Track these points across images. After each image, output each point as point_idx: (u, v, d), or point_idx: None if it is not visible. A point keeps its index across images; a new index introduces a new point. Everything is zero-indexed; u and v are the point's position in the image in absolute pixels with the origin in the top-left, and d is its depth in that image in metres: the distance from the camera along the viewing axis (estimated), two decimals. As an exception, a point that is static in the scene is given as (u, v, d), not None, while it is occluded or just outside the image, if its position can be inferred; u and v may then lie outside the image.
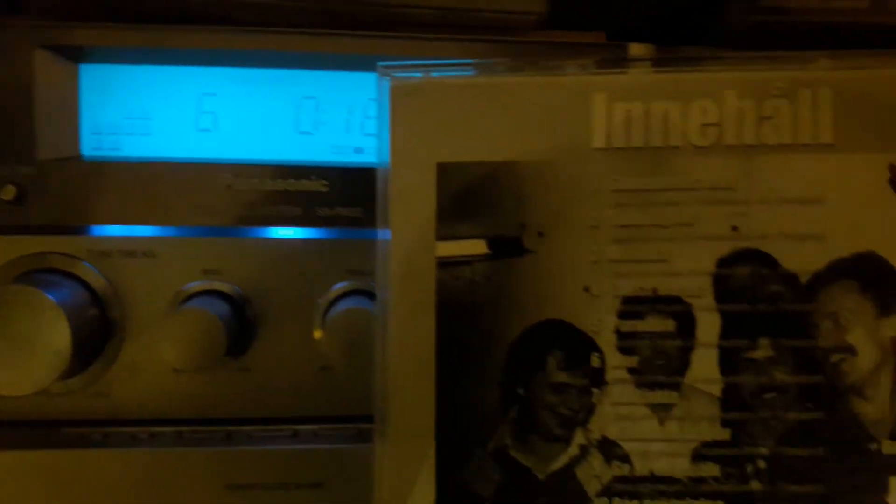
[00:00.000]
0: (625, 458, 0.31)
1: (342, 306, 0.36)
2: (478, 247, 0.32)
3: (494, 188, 0.32)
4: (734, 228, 0.31)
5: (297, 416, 0.38)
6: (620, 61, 0.33)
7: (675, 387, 0.31)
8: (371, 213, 0.37)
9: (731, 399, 0.31)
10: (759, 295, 0.31)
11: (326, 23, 0.36)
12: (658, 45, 0.38)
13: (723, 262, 0.31)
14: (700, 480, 0.31)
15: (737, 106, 0.31)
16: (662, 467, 0.31)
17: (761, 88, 0.31)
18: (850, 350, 0.31)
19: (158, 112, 0.37)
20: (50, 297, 0.34)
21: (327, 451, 0.36)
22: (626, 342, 0.31)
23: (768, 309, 0.31)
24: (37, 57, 0.35)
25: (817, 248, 0.31)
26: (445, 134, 0.32)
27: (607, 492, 0.31)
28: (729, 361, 0.31)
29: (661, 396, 0.31)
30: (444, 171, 0.32)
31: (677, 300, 0.31)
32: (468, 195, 0.32)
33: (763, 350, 0.31)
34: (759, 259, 0.31)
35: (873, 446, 0.31)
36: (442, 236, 0.32)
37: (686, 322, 0.31)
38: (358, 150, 0.38)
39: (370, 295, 0.38)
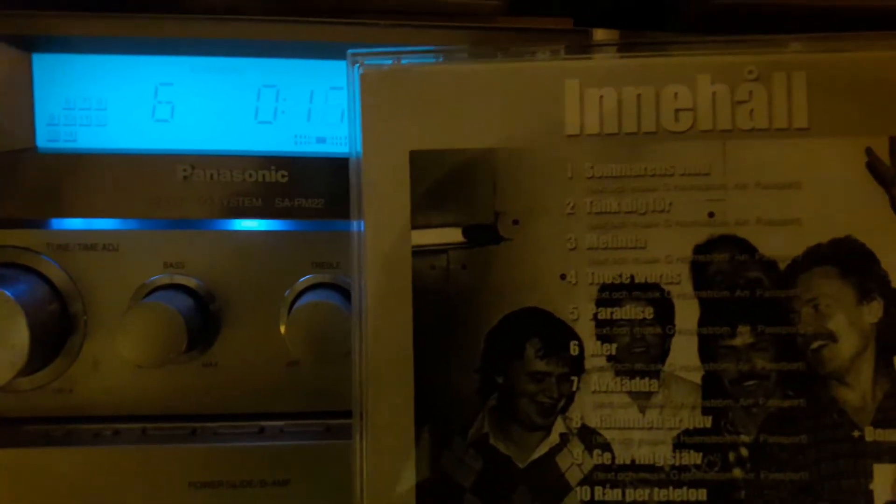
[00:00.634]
0: (606, 447, 0.30)
1: (307, 299, 0.35)
2: (453, 235, 0.31)
3: (468, 176, 0.31)
4: (711, 215, 0.30)
5: (263, 413, 0.37)
6: (592, 46, 0.32)
7: (655, 374, 0.30)
8: (333, 205, 0.36)
9: (711, 386, 0.30)
10: (738, 282, 0.30)
11: (286, 10, 0.35)
12: (623, 30, 0.37)
13: (700, 249, 0.30)
14: (682, 468, 0.30)
15: (710, 91, 0.30)
16: (644, 455, 0.30)
17: (734, 73, 0.30)
18: (831, 337, 0.30)
19: (114, 102, 0.36)
20: (6, 292, 0.32)
21: (294, 447, 0.35)
22: (605, 330, 0.30)
23: (747, 296, 0.30)
24: (-13, 47, 0.34)
25: (795, 234, 0.30)
26: (418, 121, 0.31)
27: (588, 480, 0.30)
28: (708, 349, 0.30)
29: (640, 384, 0.30)
30: (418, 159, 0.31)
31: (655, 287, 0.30)
32: (442, 183, 0.31)
33: (742, 337, 0.30)
34: (736, 245, 0.31)
35: (856, 433, 0.30)
36: (417, 225, 0.31)
37: (664, 309, 0.30)
38: (320, 140, 0.37)
39: (336, 288, 0.37)
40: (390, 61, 0.31)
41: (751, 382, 0.30)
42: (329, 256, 0.37)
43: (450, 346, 0.31)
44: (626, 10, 0.39)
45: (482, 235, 0.31)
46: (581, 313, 0.31)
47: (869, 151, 0.30)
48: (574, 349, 0.31)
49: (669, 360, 0.30)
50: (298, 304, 0.35)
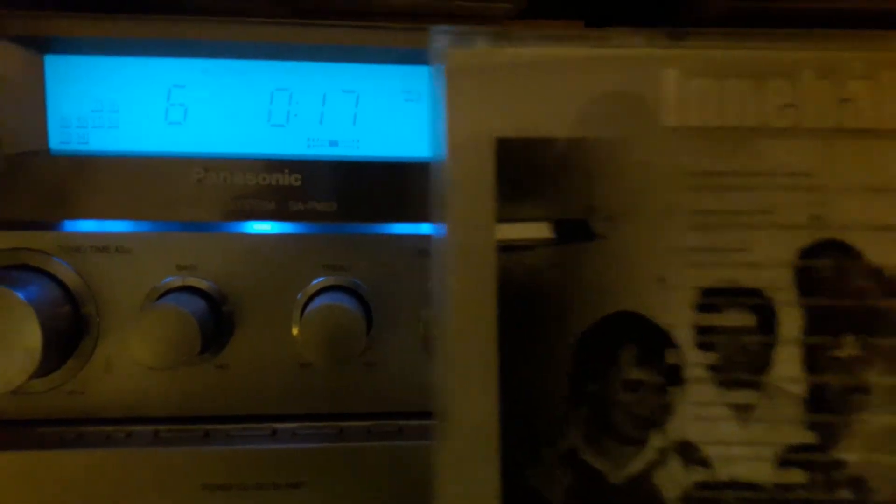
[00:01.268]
0: (705, 463, 0.28)
1: (319, 302, 0.35)
2: (542, 230, 0.28)
3: (560, 167, 0.28)
4: (815, 217, 0.28)
5: (275, 415, 0.37)
6: (690, 34, 0.29)
7: (757, 386, 0.28)
8: (346, 208, 0.35)
9: (816, 400, 0.28)
10: (843, 289, 0.28)
11: (297, 12, 0.34)
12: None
13: (805, 253, 0.28)
14: (786, 487, 0.28)
15: (814, 87, 0.28)
16: (745, 472, 0.28)
17: (841, 69, 0.28)
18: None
19: (127, 104, 0.35)
20: (19, 294, 0.32)
21: (307, 450, 0.35)
22: (705, 337, 0.28)
23: (853, 304, 0.28)
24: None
25: None
26: (505, 109, 0.28)
27: (687, 498, 0.28)
28: (813, 360, 0.28)
29: (742, 396, 0.28)
30: (504, 148, 0.28)
31: (757, 293, 0.28)
32: (531, 174, 0.28)
33: (849, 348, 0.28)
34: (841, 250, 0.28)
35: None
36: (503, 218, 0.28)
37: (767, 316, 0.28)
38: (333, 143, 0.36)
39: (348, 291, 0.37)
40: (475, 46, 0.28)
41: (857, 396, 0.28)
42: (341, 259, 0.37)
43: (538, 351, 0.28)
44: (641, 10, 0.38)
45: (574, 231, 0.28)
46: (680, 319, 0.28)
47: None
48: (672, 357, 0.28)
49: (772, 371, 0.28)
50: (311, 306, 0.35)
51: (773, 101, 0.28)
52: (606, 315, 0.28)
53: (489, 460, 0.29)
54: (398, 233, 0.37)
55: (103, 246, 0.36)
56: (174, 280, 0.36)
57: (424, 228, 0.37)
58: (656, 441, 0.28)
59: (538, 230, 0.29)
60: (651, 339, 0.28)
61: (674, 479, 0.29)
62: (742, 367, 0.29)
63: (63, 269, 0.36)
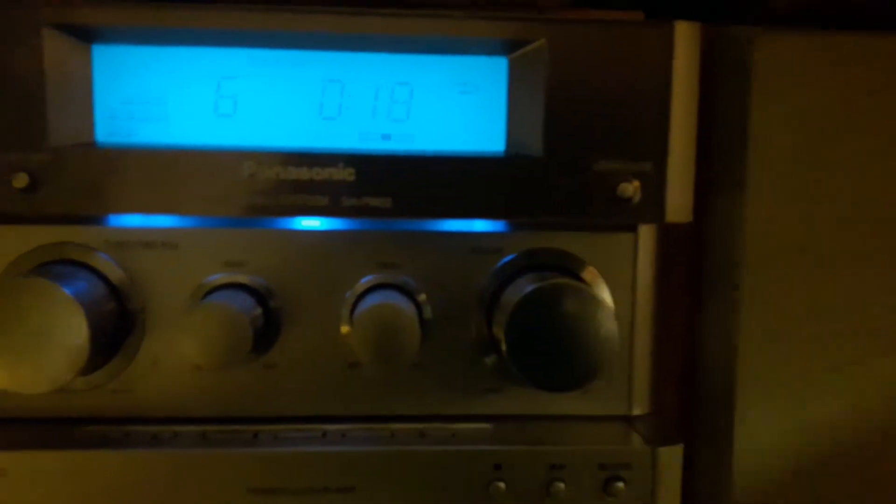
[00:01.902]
0: None
1: (371, 301, 0.33)
2: None
3: None
4: None
5: (324, 416, 0.35)
6: None
7: None
8: (401, 204, 0.34)
9: None
10: None
11: (350, 0, 0.33)
12: (703, 23, 0.35)
13: None
14: None
15: None
16: None
17: None
18: None
19: (175, 96, 0.34)
20: (66, 290, 0.31)
21: (358, 453, 0.33)
22: None
23: None
24: (46, 37, 0.32)
25: None
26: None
27: None
28: None
29: None
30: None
31: None
32: None
33: None
34: None
35: None
36: None
37: None
38: (385, 137, 0.35)
39: (399, 289, 0.35)
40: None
41: None
42: (392, 256, 0.35)
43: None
44: (701, 2, 0.36)
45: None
46: None
47: None
48: None
49: None
50: (363, 305, 0.33)
51: None
52: None
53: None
54: (451, 230, 0.35)
55: (149, 241, 0.35)
56: (222, 277, 0.35)
57: (479, 226, 0.36)
58: None
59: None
60: None
61: None
62: None
63: (108, 265, 0.34)
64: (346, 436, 0.35)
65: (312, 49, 0.34)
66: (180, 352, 0.34)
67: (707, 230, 0.36)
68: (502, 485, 0.34)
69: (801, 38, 0.32)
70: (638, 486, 0.34)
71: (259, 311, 0.34)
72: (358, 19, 0.33)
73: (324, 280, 0.35)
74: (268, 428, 0.35)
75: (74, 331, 0.31)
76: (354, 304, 0.35)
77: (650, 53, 0.33)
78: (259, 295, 0.35)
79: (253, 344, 0.33)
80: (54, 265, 0.34)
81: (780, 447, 0.36)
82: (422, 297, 0.35)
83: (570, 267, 0.35)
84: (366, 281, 0.35)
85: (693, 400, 0.38)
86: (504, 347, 0.32)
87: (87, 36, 0.33)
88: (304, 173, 0.33)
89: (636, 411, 0.37)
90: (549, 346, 0.32)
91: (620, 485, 0.34)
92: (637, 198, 0.33)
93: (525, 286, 0.33)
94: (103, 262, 0.34)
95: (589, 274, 0.36)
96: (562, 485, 0.34)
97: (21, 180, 0.32)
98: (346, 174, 0.33)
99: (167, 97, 0.34)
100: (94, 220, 0.35)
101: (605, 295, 0.35)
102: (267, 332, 0.35)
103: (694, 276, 0.37)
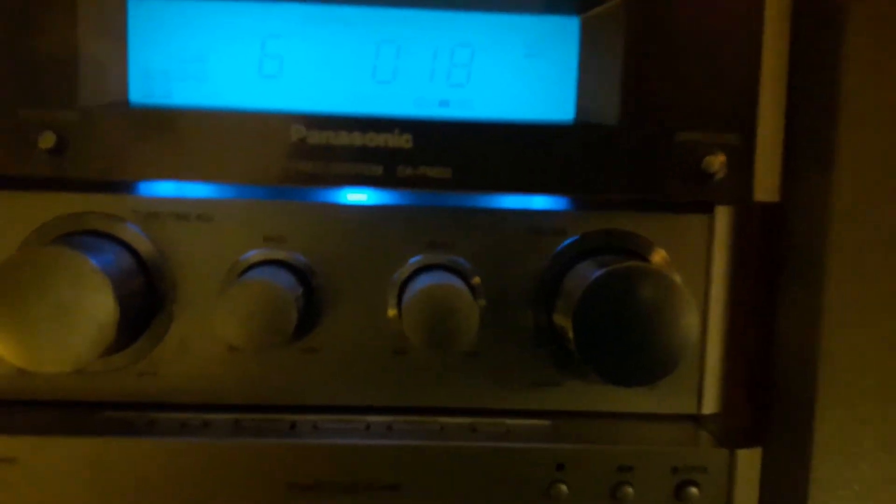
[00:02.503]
0: None
1: (424, 281, 0.30)
2: None
3: None
4: None
5: (369, 406, 0.32)
6: None
7: None
8: (462, 174, 0.31)
9: None
10: None
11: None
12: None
13: None
14: None
15: None
16: None
17: None
18: None
19: (217, 54, 0.31)
20: (93, 261, 0.28)
21: (405, 448, 0.30)
22: None
23: None
24: (80, -13, 0.29)
25: None
26: None
27: None
28: None
29: None
30: None
31: None
32: None
33: None
34: None
35: None
36: None
37: None
38: (443, 103, 0.31)
39: (451, 270, 0.32)
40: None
41: None
42: (445, 235, 0.32)
43: None
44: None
45: None
46: None
47: None
48: None
49: None
50: (415, 285, 0.30)
51: None
52: None
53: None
54: (509, 207, 0.32)
55: (183, 213, 0.32)
56: (260, 253, 0.32)
57: (538, 203, 0.33)
58: None
59: None
60: None
61: None
62: None
63: (138, 237, 0.31)
64: (391, 428, 0.32)
65: (366, 5, 0.31)
66: (215, 332, 0.31)
67: (788, 212, 0.33)
68: (564, 487, 0.30)
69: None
70: (713, 492, 0.31)
71: (300, 290, 0.31)
72: (416, -28, 0.30)
73: (370, 259, 0.32)
74: (307, 418, 0.32)
75: (101, 306, 0.28)
76: (403, 286, 0.32)
77: (739, 8, 0.29)
78: (300, 273, 0.32)
79: (295, 326, 0.30)
80: (80, 236, 0.31)
81: (863, 453, 0.32)
82: (475, 279, 0.32)
83: (638, 251, 0.32)
84: (415, 261, 0.32)
85: (767, 398, 0.35)
86: (571, 336, 0.29)
87: (123, -13, 0.31)
88: (357, 139, 0.29)
89: (706, 410, 0.33)
90: (621, 337, 0.29)
91: (694, 490, 0.31)
92: (722, 173, 0.29)
93: (593, 270, 0.30)
94: (132, 233, 0.31)
95: (659, 259, 0.32)
96: (630, 489, 0.30)
97: (48, 140, 0.29)
98: (402, 141, 0.30)
99: (207, 55, 0.31)
100: (124, 187, 0.32)
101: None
102: (308, 314, 0.32)
103: (770, 263, 0.34)
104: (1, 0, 0.29)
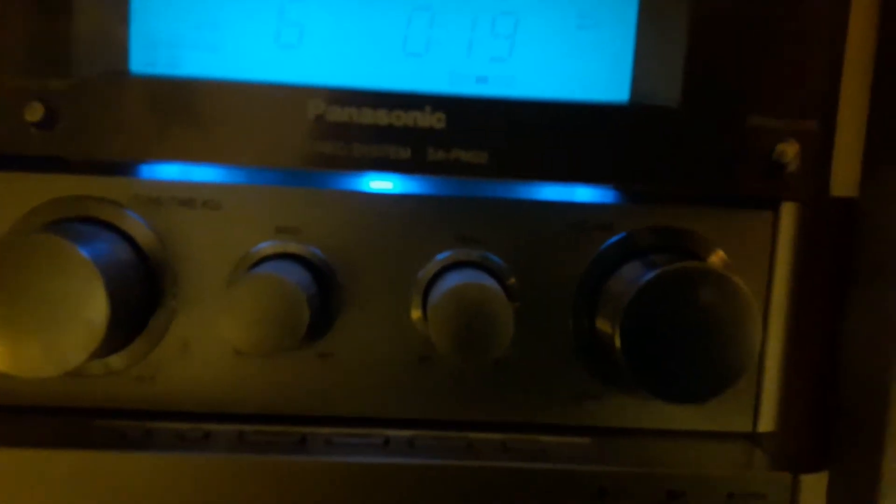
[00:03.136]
0: None
1: (453, 280, 0.26)
2: None
3: None
4: None
5: (389, 419, 0.29)
6: None
7: None
8: (499, 159, 0.27)
9: None
10: None
11: None
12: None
13: None
14: None
15: None
16: None
17: None
18: None
19: (230, 21, 0.27)
20: (83, 251, 0.24)
21: (428, 466, 0.26)
22: None
23: None
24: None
25: None
26: None
27: None
28: None
29: None
30: None
31: None
32: None
33: None
34: None
35: None
36: None
37: None
38: (481, 80, 0.27)
39: (483, 268, 0.28)
40: None
41: None
42: (476, 230, 0.28)
43: None
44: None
45: None
46: None
47: None
48: None
49: None
50: (443, 284, 0.26)
51: None
52: None
53: None
54: (549, 199, 0.29)
55: (188, 199, 0.28)
56: (271, 245, 0.28)
57: (582, 195, 0.29)
58: None
59: None
60: None
61: None
62: None
63: (137, 225, 0.28)
64: (413, 444, 0.28)
65: (396, -30, 0.27)
66: (219, 333, 0.27)
67: (864, 211, 0.29)
68: (608, 515, 0.27)
69: None
70: (774, 523, 0.27)
71: (315, 288, 0.27)
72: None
73: (393, 254, 0.28)
74: (319, 431, 0.28)
75: (91, 302, 0.24)
76: (429, 285, 0.28)
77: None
78: (316, 269, 0.28)
79: (308, 327, 0.26)
80: (72, 222, 0.28)
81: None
82: (510, 280, 0.29)
83: (693, 251, 0.28)
84: (443, 257, 0.28)
85: (831, 417, 0.31)
86: (617, 345, 0.25)
87: (126, -56, 0.27)
88: (382, 117, 0.26)
89: (762, 428, 0.30)
90: (675, 347, 0.25)
91: (755, 521, 0.27)
92: (796, 164, 0.26)
93: (643, 271, 0.26)
94: (131, 221, 0.28)
95: (717, 260, 0.29)
96: (683, 518, 0.27)
97: (35, 112, 0.25)
98: (434, 120, 0.26)
99: (220, 22, 0.27)
100: (123, 169, 0.28)
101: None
102: (323, 315, 0.28)
103: (840, 268, 0.30)
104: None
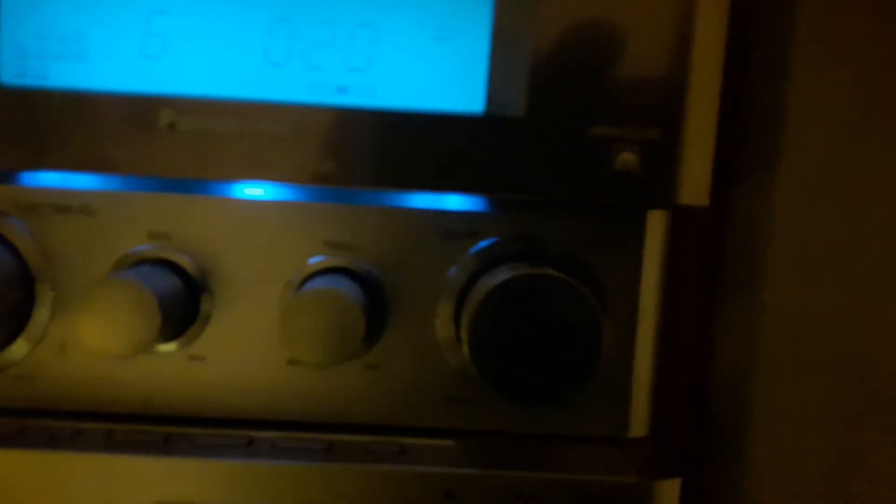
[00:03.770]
0: None
1: (309, 286, 0.27)
2: None
3: None
4: None
5: (254, 419, 0.28)
6: None
7: None
8: (347, 169, 0.26)
9: None
10: None
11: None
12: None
13: None
14: None
15: None
16: None
17: None
18: None
19: (96, 32, 0.27)
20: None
21: (287, 469, 0.26)
22: None
23: None
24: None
25: None
26: None
27: None
28: None
29: None
30: None
31: None
32: None
33: None
34: None
35: None
36: None
37: None
38: (341, 89, 0.27)
39: (352, 274, 0.29)
40: None
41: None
42: (345, 235, 0.28)
43: None
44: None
45: None
46: None
47: None
48: None
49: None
50: (299, 291, 0.27)
51: None
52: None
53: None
54: (418, 207, 0.29)
55: (64, 205, 0.28)
56: (145, 250, 0.28)
57: (451, 202, 0.29)
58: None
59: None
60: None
61: None
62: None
63: (15, 231, 0.28)
64: (276, 446, 0.28)
65: (258, -19, 0.27)
66: (79, 336, 0.28)
67: (728, 220, 0.29)
68: (455, 517, 0.27)
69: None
70: (626, 530, 0.27)
71: (184, 291, 0.28)
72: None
73: (264, 259, 0.28)
74: (183, 430, 0.28)
75: (-36, 304, 0.25)
76: (298, 290, 0.29)
77: (664, -7, 0.26)
78: (186, 273, 0.28)
79: (171, 329, 0.26)
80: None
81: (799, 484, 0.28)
82: (379, 285, 0.29)
83: (560, 258, 0.28)
84: (313, 263, 0.29)
85: (701, 421, 0.31)
86: (466, 350, 0.26)
87: (-4, -43, 0.28)
88: (232, 125, 0.26)
89: (634, 433, 0.30)
90: (520, 352, 0.25)
91: (605, 527, 0.27)
92: (640, 173, 0.26)
93: (496, 278, 0.26)
94: (10, 227, 0.28)
95: (582, 268, 0.29)
96: (532, 523, 0.27)
97: None
98: (282, 129, 0.26)
99: (87, 34, 0.27)
100: (2, 178, 0.29)
101: (598, 292, 0.28)
102: (194, 318, 0.29)
103: (709, 276, 0.30)
104: None
